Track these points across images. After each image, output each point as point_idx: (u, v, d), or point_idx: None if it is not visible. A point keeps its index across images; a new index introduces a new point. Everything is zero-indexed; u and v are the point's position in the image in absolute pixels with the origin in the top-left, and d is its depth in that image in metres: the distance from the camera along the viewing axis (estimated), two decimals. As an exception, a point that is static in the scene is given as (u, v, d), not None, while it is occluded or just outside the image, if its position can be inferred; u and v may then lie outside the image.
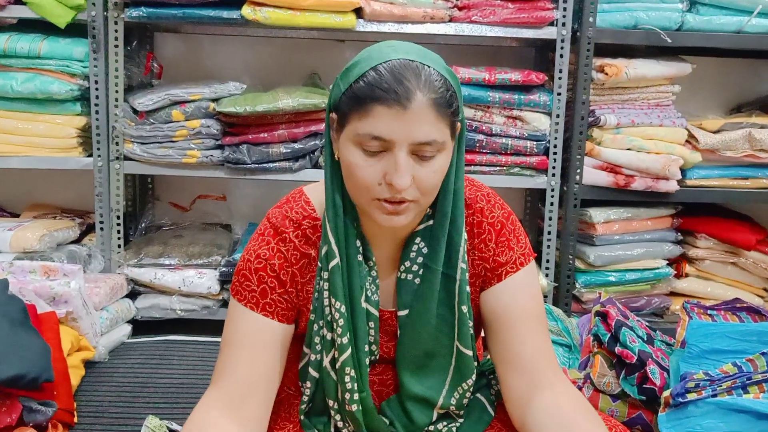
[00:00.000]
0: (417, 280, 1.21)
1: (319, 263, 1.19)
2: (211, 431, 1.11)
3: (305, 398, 1.24)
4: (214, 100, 2.44)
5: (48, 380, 1.73)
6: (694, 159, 2.52)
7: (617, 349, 1.81)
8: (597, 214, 2.57)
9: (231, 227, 2.91)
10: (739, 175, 2.60)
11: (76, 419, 1.86)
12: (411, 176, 1.06)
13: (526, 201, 2.99)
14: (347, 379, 1.18)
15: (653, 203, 2.59)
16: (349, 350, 1.17)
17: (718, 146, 2.53)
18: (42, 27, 2.43)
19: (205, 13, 2.36)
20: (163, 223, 2.86)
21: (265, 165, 2.45)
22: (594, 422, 1.13)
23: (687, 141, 2.54)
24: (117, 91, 2.48)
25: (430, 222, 1.20)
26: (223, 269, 2.51)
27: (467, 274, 1.20)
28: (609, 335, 1.87)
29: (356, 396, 1.19)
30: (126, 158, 2.50)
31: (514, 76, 2.43)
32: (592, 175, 2.51)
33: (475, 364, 1.24)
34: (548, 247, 2.59)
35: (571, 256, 2.58)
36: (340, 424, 1.24)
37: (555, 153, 2.52)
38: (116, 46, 2.46)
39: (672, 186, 2.51)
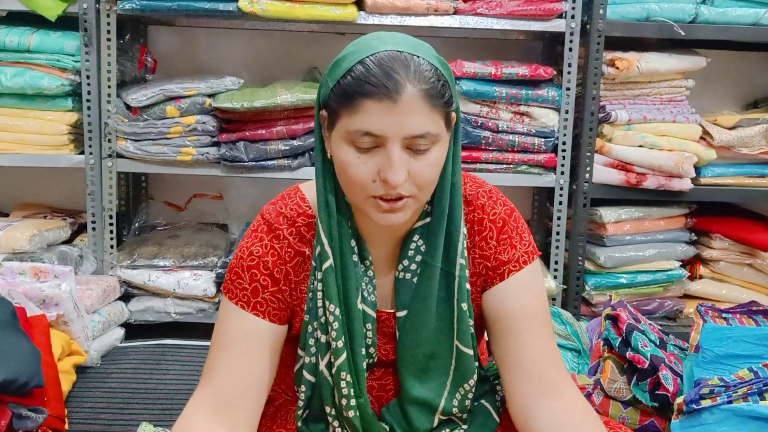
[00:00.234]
0: (416, 279, 1.21)
1: (313, 262, 1.19)
2: None
3: (301, 403, 1.23)
4: (210, 96, 2.44)
5: (38, 386, 1.72)
6: (708, 156, 2.52)
7: (628, 353, 1.79)
8: (607, 214, 2.56)
9: (228, 227, 2.91)
10: (756, 173, 2.61)
11: (67, 426, 1.86)
12: (406, 171, 1.05)
13: (533, 200, 3.00)
14: (343, 384, 1.17)
15: (666, 202, 2.59)
16: (345, 354, 1.17)
17: (733, 143, 2.53)
18: (32, 20, 2.42)
19: (200, 5, 2.35)
20: (157, 223, 2.86)
21: (262, 163, 2.45)
22: None
23: (701, 137, 2.55)
24: (109, 87, 2.47)
25: (429, 219, 1.19)
26: (220, 271, 2.51)
27: (467, 271, 1.20)
28: (620, 339, 1.86)
29: (353, 402, 1.18)
30: (119, 156, 2.50)
31: (522, 70, 2.43)
32: (602, 173, 2.51)
33: (477, 365, 1.23)
34: (557, 248, 2.59)
35: (580, 258, 2.58)
36: (338, 431, 1.23)
37: (564, 150, 2.52)
38: (109, 39, 2.45)
39: (686, 184, 2.51)
